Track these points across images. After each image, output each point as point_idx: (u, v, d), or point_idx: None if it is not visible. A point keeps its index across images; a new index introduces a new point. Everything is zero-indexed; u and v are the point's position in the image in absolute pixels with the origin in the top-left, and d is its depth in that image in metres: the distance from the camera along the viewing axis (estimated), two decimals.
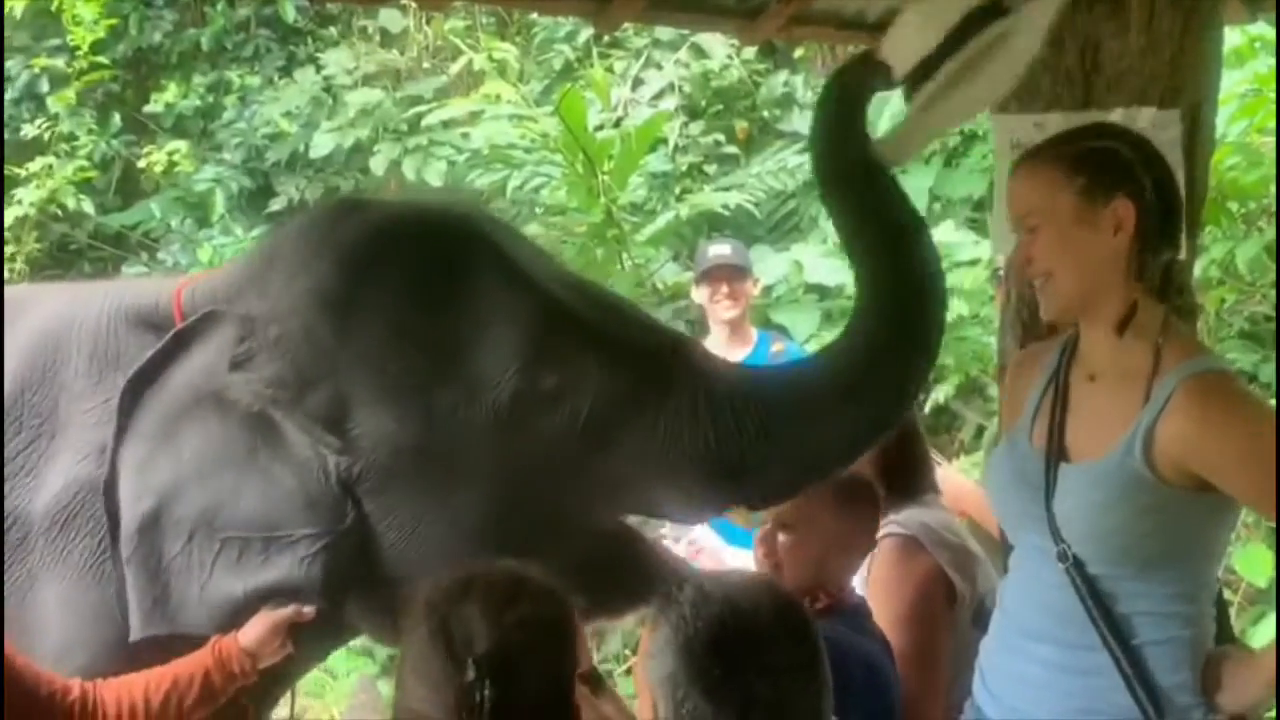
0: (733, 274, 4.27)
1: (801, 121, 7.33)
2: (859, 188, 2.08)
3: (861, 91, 2.10)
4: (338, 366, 2.14)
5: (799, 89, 7.48)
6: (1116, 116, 2.42)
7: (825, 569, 2.43)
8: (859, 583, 2.79)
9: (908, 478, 2.81)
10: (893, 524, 2.70)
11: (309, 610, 2.13)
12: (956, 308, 5.81)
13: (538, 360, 2.12)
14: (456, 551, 2.08)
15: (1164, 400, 1.98)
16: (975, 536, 2.86)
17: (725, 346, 4.24)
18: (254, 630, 2.12)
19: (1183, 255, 2.51)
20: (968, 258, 6.01)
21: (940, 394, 5.89)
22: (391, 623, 2.10)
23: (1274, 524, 2.06)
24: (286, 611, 2.12)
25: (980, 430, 5.91)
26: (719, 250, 4.40)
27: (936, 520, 2.76)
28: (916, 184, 6.49)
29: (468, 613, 1.61)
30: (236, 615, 2.14)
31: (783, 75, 7.49)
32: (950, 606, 2.67)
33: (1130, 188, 1.99)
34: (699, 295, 4.39)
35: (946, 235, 6.06)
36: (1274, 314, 5.56)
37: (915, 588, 2.64)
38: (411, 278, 2.16)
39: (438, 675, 1.59)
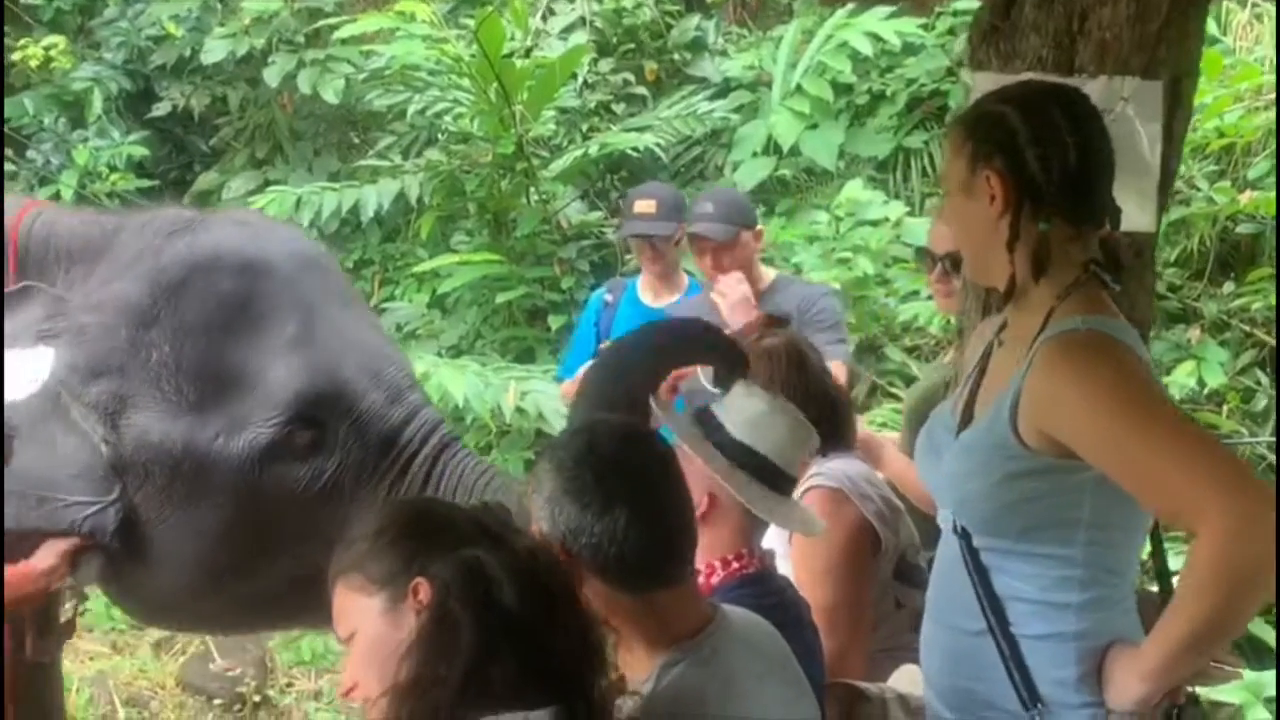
0: (655, 237, 4.16)
1: (711, 67, 7.29)
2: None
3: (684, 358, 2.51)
4: (126, 370, 2.38)
5: (710, 34, 7.41)
6: (1099, 84, 2.39)
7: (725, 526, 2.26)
8: (781, 542, 2.77)
9: (833, 430, 2.80)
10: (817, 475, 2.69)
11: (91, 542, 2.40)
12: (861, 266, 5.84)
13: (299, 418, 2.39)
14: (193, 554, 2.42)
15: (1030, 361, 1.92)
16: None
17: (654, 292, 4.18)
18: (45, 556, 2.39)
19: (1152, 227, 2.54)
20: (874, 217, 6.02)
21: None
22: (136, 600, 2.60)
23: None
24: (74, 540, 2.39)
25: (874, 388, 5.95)
26: (644, 207, 4.22)
27: (859, 472, 2.76)
28: (828, 138, 6.50)
29: None
30: (13, 551, 2.38)
31: (694, 19, 7.41)
32: (874, 557, 2.67)
33: (1006, 158, 1.93)
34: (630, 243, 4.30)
35: (855, 193, 6.08)
36: (1165, 294, 5.72)
37: (841, 539, 2.62)
38: (210, 314, 2.40)
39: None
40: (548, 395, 5.22)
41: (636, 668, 1.80)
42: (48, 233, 2.51)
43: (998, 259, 1.98)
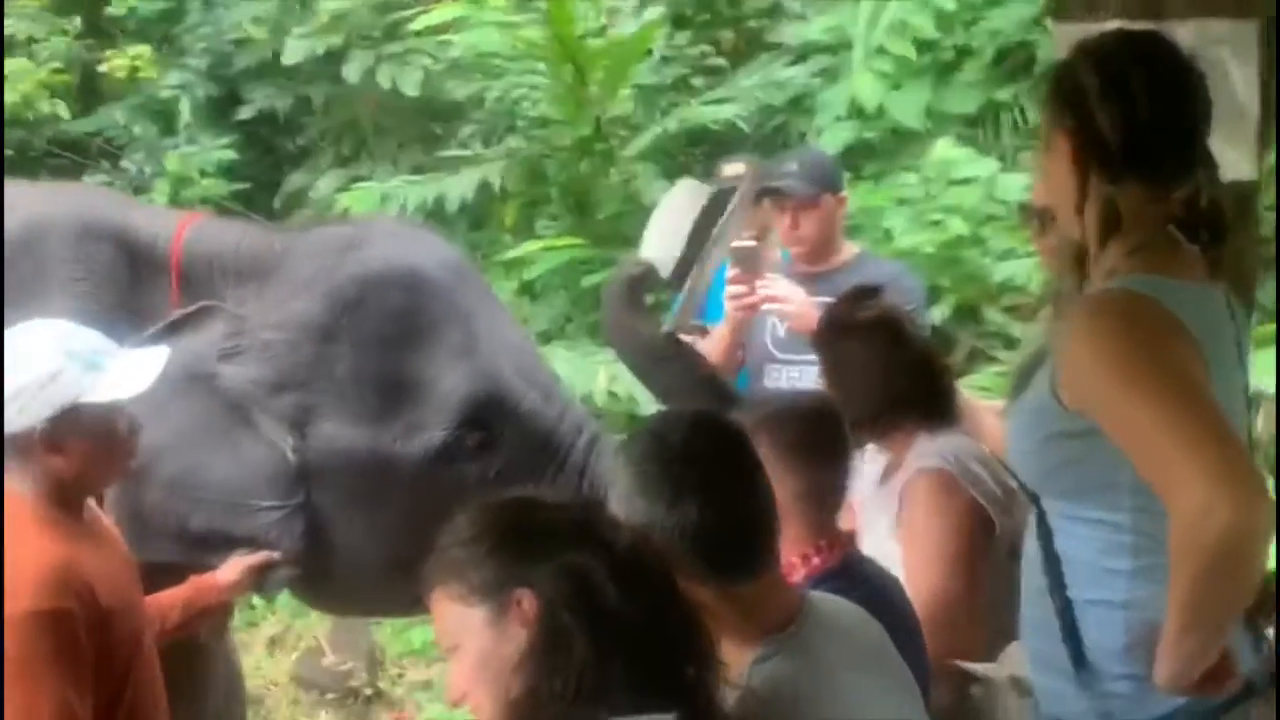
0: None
1: (790, 32, 7.17)
2: (658, 358, 2.75)
3: (638, 290, 2.74)
4: (310, 382, 2.58)
5: None
6: (1190, 28, 2.28)
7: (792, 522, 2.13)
8: (887, 522, 2.70)
9: (937, 409, 2.72)
10: (924, 458, 2.62)
11: (277, 556, 2.57)
12: (954, 227, 5.70)
13: (469, 422, 2.60)
14: (374, 549, 2.61)
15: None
16: None
17: None
18: (230, 572, 2.55)
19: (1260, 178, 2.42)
20: (966, 175, 5.87)
21: (935, 316, 5.78)
22: (317, 593, 2.81)
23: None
24: (260, 556, 2.55)
25: (973, 353, 5.82)
26: (732, 170, 4.15)
27: (968, 452, 2.67)
28: (914, 98, 6.35)
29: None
30: (205, 555, 2.57)
31: None
32: (988, 540, 2.59)
33: (1075, 117, 1.85)
34: None
35: (944, 152, 5.93)
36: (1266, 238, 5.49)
37: (951, 525, 2.56)
38: (385, 328, 2.59)
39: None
40: None
41: (727, 663, 1.74)
42: (209, 249, 2.69)
43: (1069, 220, 1.93)
